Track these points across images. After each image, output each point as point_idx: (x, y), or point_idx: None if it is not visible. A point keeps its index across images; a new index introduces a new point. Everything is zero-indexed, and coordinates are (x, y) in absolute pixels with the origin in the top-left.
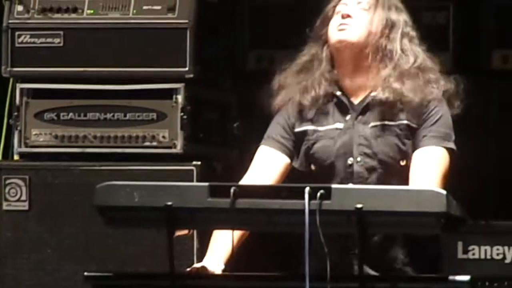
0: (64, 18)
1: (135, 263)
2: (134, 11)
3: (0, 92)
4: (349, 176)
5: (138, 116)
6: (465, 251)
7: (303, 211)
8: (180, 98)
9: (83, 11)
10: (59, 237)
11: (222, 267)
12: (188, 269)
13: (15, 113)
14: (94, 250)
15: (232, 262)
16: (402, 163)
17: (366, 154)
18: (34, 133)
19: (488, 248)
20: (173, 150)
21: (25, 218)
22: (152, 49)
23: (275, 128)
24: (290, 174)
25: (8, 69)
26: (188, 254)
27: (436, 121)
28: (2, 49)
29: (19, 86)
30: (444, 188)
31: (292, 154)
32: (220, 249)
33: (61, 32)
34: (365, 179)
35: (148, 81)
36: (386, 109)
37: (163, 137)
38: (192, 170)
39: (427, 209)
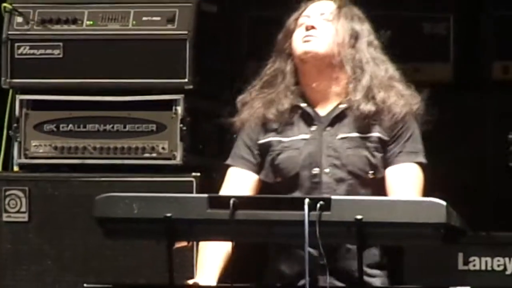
0: (63, 29)
1: (134, 274)
2: (134, 22)
3: (0, 103)
4: (315, 186)
5: (138, 128)
6: (466, 262)
7: (302, 222)
8: (179, 109)
9: (82, 23)
10: (59, 249)
11: (214, 284)
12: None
13: (15, 125)
14: (94, 262)
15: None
16: (371, 175)
17: (335, 165)
18: (33, 144)
19: (489, 259)
20: (172, 162)
21: (25, 230)
22: (151, 60)
23: (241, 147)
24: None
25: (8, 80)
26: (187, 266)
27: (410, 136)
28: (2, 60)
29: (19, 97)
30: None
31: (259, 169)
32: (210, 266)
33: (61, 44)
34: (333, 190)
35: (147, 92)
36: (359, 121)
37: (163, 148)
38: (191, 181)
39: (427, 220)
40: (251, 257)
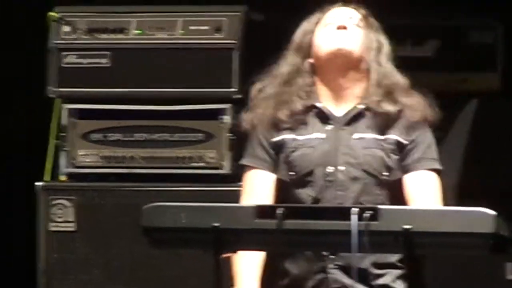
0: (111, 38)
1: (180, 284)
2: (181, 31)
3: (46, 112)
4: (329, 184)
5: (185, 137)
6: None
7: (350, 232)
8: (227, 118)
9: (130, 32)
10: (106, 258)
11: None
12: None
13: (62, 134)
14: (140, 271)
15: None
16: (386, 176)
17: (350, 164)
18: (81, 153)
19: None
20: (220, 171)
21: (72, 239)
22: (199, 70)
23: (256, 146)
24: None
25: (55, 89)
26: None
27: (430, 143)
28: (49, 69)
29: (66, 106)
30: None
31: (275, 167)
32: (250, 275)
33: (108, 53)
34: (347, 188)
35: (195, 101)
36: (376, 122)
37: (211, 157)
38: (239, 191)
39: (476, 230)
40: None
